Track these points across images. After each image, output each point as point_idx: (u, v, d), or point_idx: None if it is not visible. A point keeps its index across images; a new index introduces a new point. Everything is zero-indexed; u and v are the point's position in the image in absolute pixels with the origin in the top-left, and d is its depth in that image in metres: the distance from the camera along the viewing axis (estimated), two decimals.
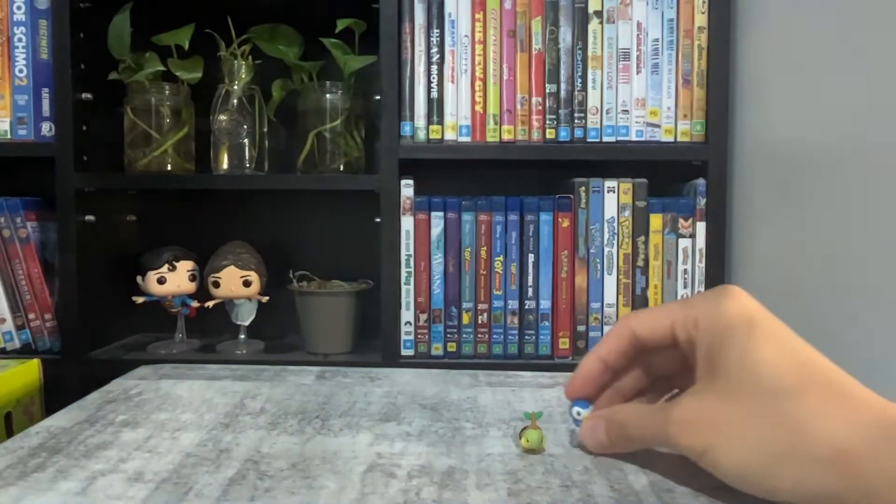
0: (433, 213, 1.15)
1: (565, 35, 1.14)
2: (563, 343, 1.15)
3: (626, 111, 1.14)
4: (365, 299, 1.21)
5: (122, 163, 1.21)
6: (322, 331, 1.19)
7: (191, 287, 1.19)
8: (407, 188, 1.14)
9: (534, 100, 1.14)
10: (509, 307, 1.15)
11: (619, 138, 1.14)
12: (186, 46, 1.16)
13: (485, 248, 1.15)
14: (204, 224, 1.33)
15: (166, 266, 1.16)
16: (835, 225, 1.19)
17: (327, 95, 1.20)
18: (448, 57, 1.14)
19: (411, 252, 1.15)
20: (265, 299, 1.18)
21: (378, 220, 1.14)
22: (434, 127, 1.14)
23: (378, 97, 1.15)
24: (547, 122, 1.14)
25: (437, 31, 1.14)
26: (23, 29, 1.15)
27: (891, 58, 1.11)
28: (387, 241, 1.14)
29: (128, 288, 1.19)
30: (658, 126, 1.14)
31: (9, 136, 1.15)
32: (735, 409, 0.33)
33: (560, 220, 1.14)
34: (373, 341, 1.22)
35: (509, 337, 1.15)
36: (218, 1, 1.20)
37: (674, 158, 1.14)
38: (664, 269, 1.15)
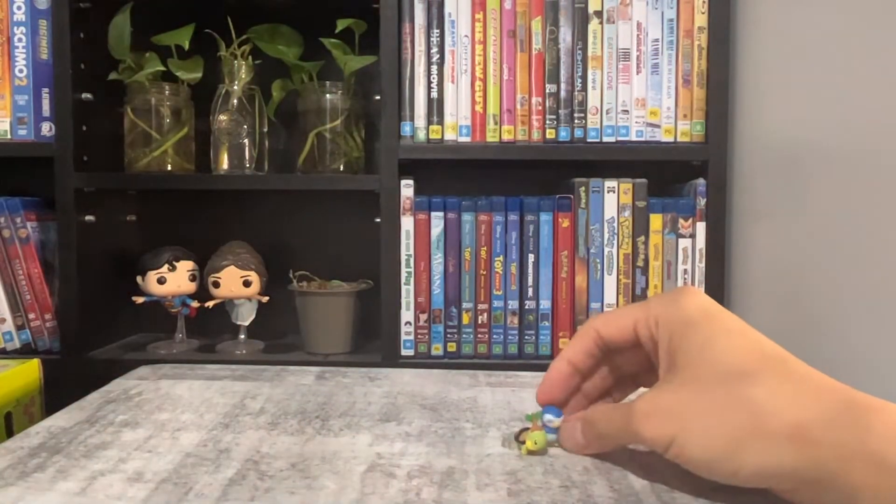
0: (433, 214, 1.15)
1: (565, 35, 1.14)
2: (563, 343, 1.15)
3: (626, 111, 1.14)
4: (365, 299, 1.21)
5: (122, 163, 1.21)
6: (322, 331, 1.19)
7: (191, 287, 1.19)
8: (407, 188, 1.14)
9: (534, 100, 1.14)
10: (509, 307, 1.15)
11: (619, 138, 1.14)
12: (186, 46, 1.16)
13: (485, 249, 1.15)
14: (204, 224, 1.33)
15: (166, 266, 1.16)
16: (835, 224, 1.19)
17: (327, 95, 1.20)
18: (448, 57, 1.14)
19: (411, 252, 1.15)
20: (265, 299, 1.18)
21: (378, 220, 1.14)
22: (434, 127, 1.14)
23: (378, 97, 1.15)
24: (547, 122, 1.14)
25: (438, 31, 1.14)
26: (23, 29, 1.15)
27: (891, 58, 1.11)
28: (387, 241, 1.14)
29: (128, 288, 1.19)
30: (658, 126, 1.14)
31: (9, 136, 1.15)
32: (696, 397, 0.34)
33: (560, 220, 1.14)
34: (373, 341, 1.22)
35: (509, 337, 1.15)
36: (218, 1, 1.20)
37: (674, 158, 1.14)
38: (664, 269, 1.15)
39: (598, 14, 1.14)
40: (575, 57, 1.14)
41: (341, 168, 1.20)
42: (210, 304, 1.17)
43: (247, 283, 1.16)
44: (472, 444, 0.43)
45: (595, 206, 1.14)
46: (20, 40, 1.15)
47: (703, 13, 1.13)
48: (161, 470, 0.38)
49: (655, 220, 1.15)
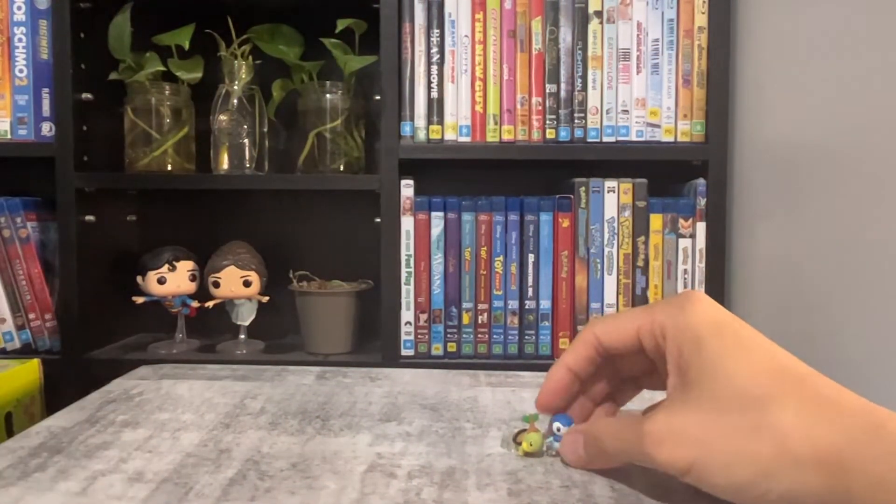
0: (433, 213, 1.15)
1: (565, 35, 1.14)
2: (564, 343, 1.15)
3: (626, 111, 1.14)
4: (365, 299, 1.21)
5: (122, 163, 1.21)
6: (322, 331, 1.19)
7: (191, 287, 1.19)
8: (407, 188, 1.14)
9: (534, 100, 1.14)
10: (509, 307, 1.15)
11: (619, 138, 1.14)
12: (187, 46, 1.16)
13: (485, 248, 1.15)
14: (204, 224, 1.33)
15: (166, 266, 1.16)
16: (834, 224, 1.18)
17: (327, 95, 1.20)
18: (448, 57, 1.14)
19: (411, 252, 1.15)
20: (265, 299, 1.18)
21: (378, 220, 1.14)
22: (434, 127, 1.14)
23: (378, 97, 1.15)
24: (547, 122, 1.14)
25: (438, 31, 1.14)
26: (23, 29, 1.15)
27: (891, 58, 1.11)
28: (387, 241, 1.14)
29: (128, 288, 1.19)
30: (658, 126, 1.14)
31: (9, 136, 1.15)
32: (714, 420, 0.33)
33: (560, 220, 1.14)
34: (373, 341, 1.22)
35: (509, 337, 1.15)
36: (218, 1, 1.20)
37: (674, 158, 1.14)
38: (664, 269, 1.15)
39: (598, 14, 1.14)
40: (575, 57, 1.14)
41: (341, 168, 1.20)
42: (210, 304, 1.17)
43: (247, 283, 1.16)
44: (473, 443, 0.43)
45: (595, 206, 1.14)
46: (20, 40, 1.15)
47: (703, 13, 1.13)
48: (161, 470, 0.38)
49: (655, 220, 1.14)
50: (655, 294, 1.15)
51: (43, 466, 0.39)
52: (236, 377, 0.58)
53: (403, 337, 1.15)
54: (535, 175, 1.27)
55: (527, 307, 1.15)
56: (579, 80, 1.14)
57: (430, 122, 1.14)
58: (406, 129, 1.14)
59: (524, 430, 0.42)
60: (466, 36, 1.14)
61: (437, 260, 1.15)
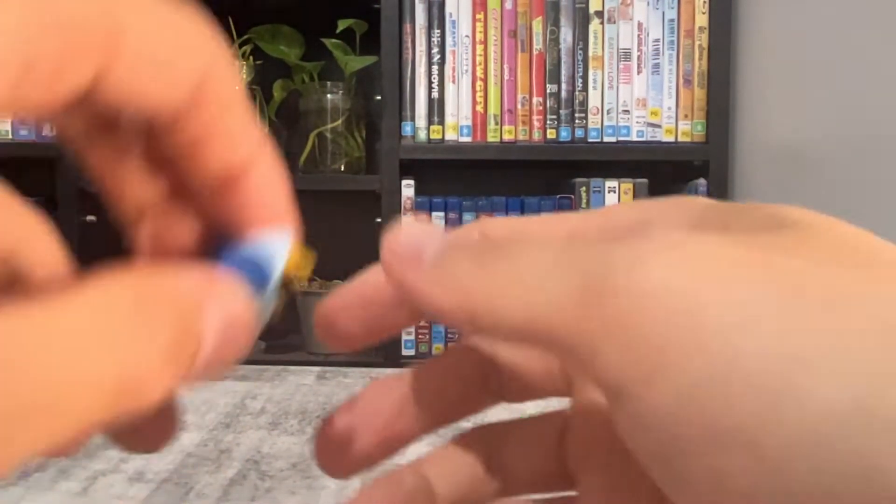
0: (434, 214, 1.15)
1: (566, 35, 1.14)
2: None
3: (627, 111, 1.14)
4: None
5: None
6: None
7: None
8: (408, 188, 1.14)
9: (534, 100, 1.14)
10: None
11: (620, 138, 1.14)
12: None
13: None
14: None
15: None
16: None
17: (328, 96, 1.20)
18: (449, 57, 1.14)
19: None
20: None
21: (379, 220, 1.14)
22: (435, 127, 1.14)
23: (379, 97, 1.15)
24: (548, 122, 1.14)
25: (438, 31, 1.14)
26: None
27: (891, 58, 1.11)
28: None
29: None
30: (659, 126, 1.14)
31: (10, 137, 1.15)
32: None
33: None
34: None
35: None
36: (218, 1, 1.20)
37: (674, 158, 1.14)
38: None
39: (599, 14, 1.14)
40: (576, 57, 1.14)
41: (342, 168, 1.20)
42: None
43: None
44: None
45: (596, 206, 1.14)
46: None
47: (703, 13, 1.13)
48: (162, 470, 0.38)
49: None
50: None
51: (43, 466, 0.39)
52: (236, 377, 0.58)
53: (404, 337, 1.15)
54: (535, 175, 1.27)
55: None
56: (580, 81, 1.14)
57: (430, 123, 1.14)
58: (407, 129, 1.14)
59: None
60: (467, 36, 1.14)
61: None
